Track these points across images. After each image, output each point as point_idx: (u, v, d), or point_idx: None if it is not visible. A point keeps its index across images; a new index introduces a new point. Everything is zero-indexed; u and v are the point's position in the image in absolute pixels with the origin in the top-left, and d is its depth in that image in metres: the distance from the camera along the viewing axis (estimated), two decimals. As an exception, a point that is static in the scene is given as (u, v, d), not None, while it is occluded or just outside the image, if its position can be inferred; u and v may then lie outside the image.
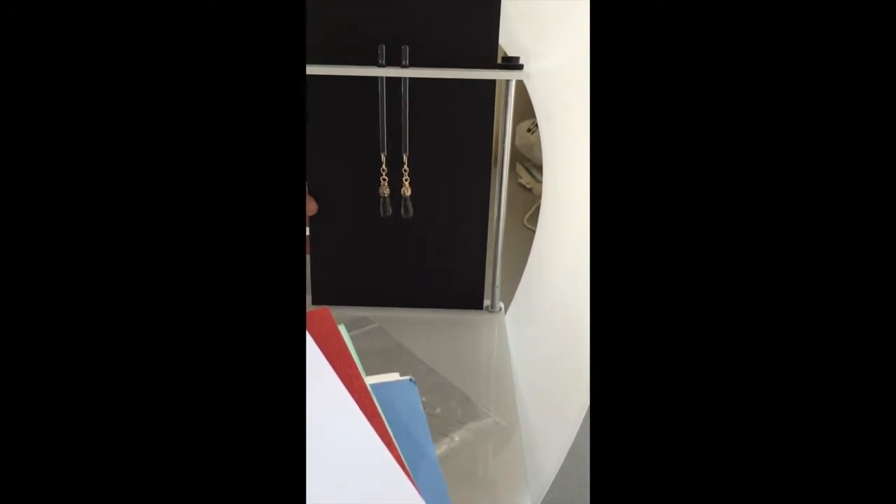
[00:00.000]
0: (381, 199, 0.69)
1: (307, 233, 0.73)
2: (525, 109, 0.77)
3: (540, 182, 0.85)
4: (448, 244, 0.73)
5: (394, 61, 0.63)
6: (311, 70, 0.62)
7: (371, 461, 0.39)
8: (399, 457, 0.40)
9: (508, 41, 0.69)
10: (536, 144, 1.87)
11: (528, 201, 1.89)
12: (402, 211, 0.69)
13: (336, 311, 0.49)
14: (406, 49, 0.62)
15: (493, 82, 0.67)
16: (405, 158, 0.67)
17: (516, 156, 2.14)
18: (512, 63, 0.64)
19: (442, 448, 0.51)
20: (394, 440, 0.42)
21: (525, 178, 2.06)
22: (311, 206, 0.71)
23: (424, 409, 0.47)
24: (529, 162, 2.10)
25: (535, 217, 1.55)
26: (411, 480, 0.39)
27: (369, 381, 0.45)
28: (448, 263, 0.74)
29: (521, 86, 0.69)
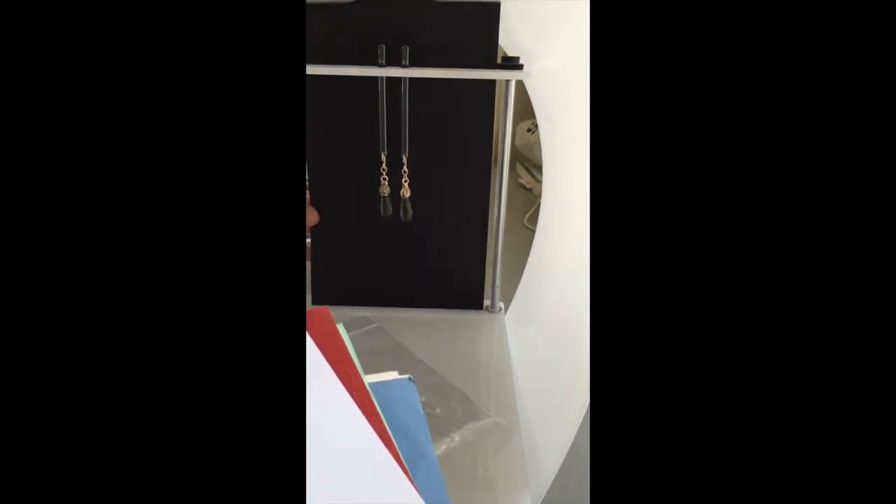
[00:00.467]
0: (381, 199, 0.69)
1: (307, 242, 0.73)
2: (525, 109, 0.77)
3: (540, 182, 0.85)
4: (448, 244, 0.73)
5: (394, 61, 0.63)
6: (311, 70, 0.62)
7: (370, 460, 0.39)
8: (398, 455, 0.40)
9: (508, 41, 0.69)
10: (536, 144, 1.87)
11: (528, 201, 1.89)
12: (402, 213, 0.69)
13: (336, 311, 0.49)
14: (406, 49, 0.62)
15: (492, 82, 0.66)
16: (405, 159, 0.67)
17: (516, 156, 2.14)
18: (512, 63, 0.64)
19: (442, 448, 0.51)
20: (392, 439, 0.42)
21: (525, 178, 2.06)
22: (312, 216, 0.71)
23: (424, 408, 0.47)
24: (529, 162, 2.10)
25: (535, 217, 1.55)
26: (410, 479, 0.39)
27: (368, 379, 0.45)
28: (448, 263, 0.74)
29: (521, 86, 0.69)
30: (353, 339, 0.47)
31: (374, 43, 0.62)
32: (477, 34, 0.63)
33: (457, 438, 0.53)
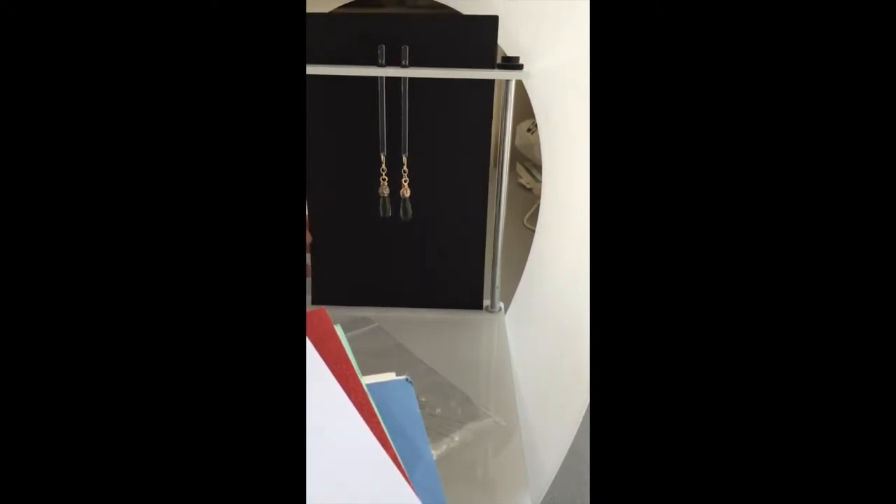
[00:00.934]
0: (381, 200, 0.69)
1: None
2: (525, 109, 0.77)
3: (540, 182, 0.85)
4: (448, 244, 0.73)
5: (394, 61, 0.63)
6: (311, 70, 0.62)
7: (367, 461, 0.39)
8: (395, 456, 0.40)
9: (508, 41, 0.69)
10: (536, 144, 1.87)
11: (528, 201, 1.89)
12: (402, 213, 0.69)
13: (336, 311, 0.49)
14: (406, 49, 0.62)
15: (492, 82, 0.67)
16: (405, 159, 0.67)
17: (516, 156, 2.14)
18: (512, 63, 0.64)
19: (442, 448, 0.51)
20: (390, 440, 0.42)
21: (525, 178, 2.07)
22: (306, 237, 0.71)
23: (424, 409, 0.47)
24: (529, 162, 2.10)
25: (535, 217, 1.55)
26: (406, 479, 0.39)
27: (366, 380, 0.45)
28: (448, 263, 0.74)
29: (520, 86, 0.69)
30: (353, 340, 0.47)
31: (374, 43, 0.62)
32: (477, 34, 0.64)
33: (457, 438, 0.53)
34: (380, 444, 0.40)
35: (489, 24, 0.63)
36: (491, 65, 0.64)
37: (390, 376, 0.49)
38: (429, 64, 0.63)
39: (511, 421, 0.56)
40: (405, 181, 0.68)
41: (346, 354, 0.46)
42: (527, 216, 1.81)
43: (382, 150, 0.66)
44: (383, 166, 0.67)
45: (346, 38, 0.64)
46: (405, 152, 0.67)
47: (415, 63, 0.63)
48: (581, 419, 0.49)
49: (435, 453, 0.51)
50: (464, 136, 0.68)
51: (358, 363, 0.46)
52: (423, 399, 0.57)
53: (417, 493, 0.38)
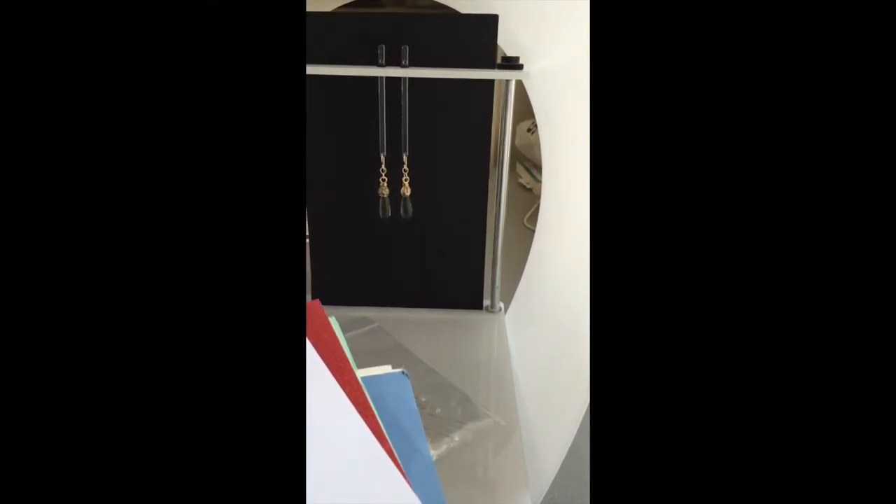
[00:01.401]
0: (381, 200, 0.69)
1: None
2: (525, 109, 0.77)
3: (540, 182, 0.85)
4: (448, 244, 0.73)
5: (394, 61, 0.63)
6: (311, 70, 0.62)
7: (362, 455, 0.39)
8: (390, 449, 0.40)
9: (508, 41, 0.69)
10: (536, 144, 1.87)
11: (528, 201, 1.89)
12: (402, 211, 0.69)
13: (336, 311, 0.49)
14: (406, 49, 0.62)
15: (492, 82, 0.67)
16: (405, 158, 0.67)
17: (516, 156, 2.14)
18: (512, 63, 0.64)
19: (442, 448, 0.51)
20: (385, 433, 0.42)
21: (525, 178, 2.06)
22: None
23: (424, 409, 0.47)
24: (529, 162, 2.10)
25: (535, 217, 1.55)
26: (402, 473, 0.39)
27: (361, 373, 0.45)
28: (448, 263, 0.74)
29: (520, 86, 0.69)
30: (352, 340, 0.47)
31: (374, 43, 0.62)
32: (476, 34, 0.64)
33: (457, 438, 0.53)
34: (375, 437, 0.40)
35: (489, 24, 0.63)
36: (491, 65, 0.64)
37: (386, 369, 0.49)
38: (429, 64, 0.63)
39: (511, 421, 0.56)
40: (405, 179, 0.68)
41: (340, 347, 0.46)
42: (527, 216, 1.81)
43: (382, 150, 0.66)
44: (383, 166, 0.67)
45: (346, 37, 0.64)
46: (405, 152, 0.67)
47: (415, 63, 0.63)
48: (581, 419, 0.49)
49: (435, 453, 0.51)
50: (464, 135, 0.68)
51: (357, 363, 0.46)
52: (423, 399, 0.57)
53: (413, 487, 0.38)
